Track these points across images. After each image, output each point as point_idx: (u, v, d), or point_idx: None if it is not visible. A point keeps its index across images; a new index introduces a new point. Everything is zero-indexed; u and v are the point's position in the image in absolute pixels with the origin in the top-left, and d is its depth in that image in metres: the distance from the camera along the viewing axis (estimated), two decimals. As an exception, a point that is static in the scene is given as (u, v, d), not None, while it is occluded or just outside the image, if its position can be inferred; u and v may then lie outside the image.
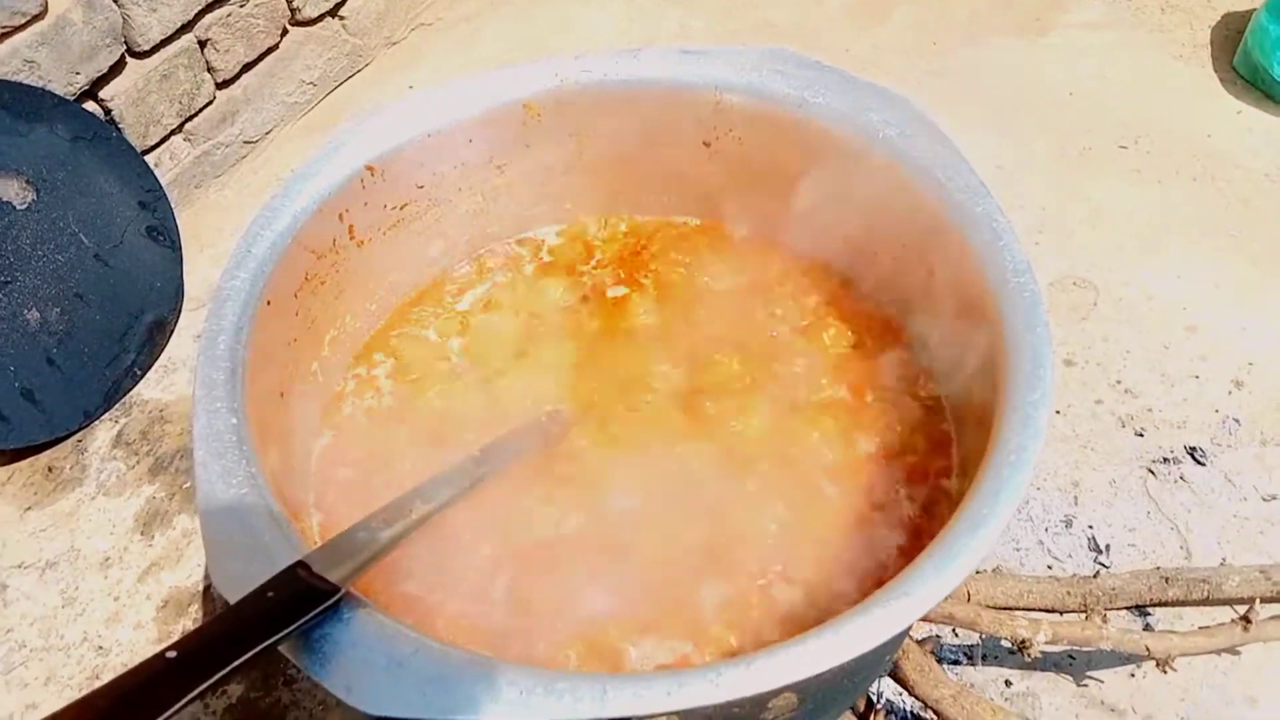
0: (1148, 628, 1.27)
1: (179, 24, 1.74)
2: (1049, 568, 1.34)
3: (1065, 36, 2.26)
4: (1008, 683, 1.24)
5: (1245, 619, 1.12)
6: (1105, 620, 1.10)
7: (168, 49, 1.75)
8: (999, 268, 0.83)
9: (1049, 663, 1.25)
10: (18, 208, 1.51)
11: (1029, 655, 1.07)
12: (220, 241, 1.86)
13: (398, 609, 0.81)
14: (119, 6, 1.64)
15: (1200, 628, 1.14)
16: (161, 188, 1.70)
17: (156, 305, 1.66)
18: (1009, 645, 1.10)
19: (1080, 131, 2.00)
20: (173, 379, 1.64)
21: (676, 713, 0.62)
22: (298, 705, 1.24)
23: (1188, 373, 1.57)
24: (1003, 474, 0.70)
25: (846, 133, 0.98)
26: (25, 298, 1.50)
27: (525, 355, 1.04)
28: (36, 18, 1.53)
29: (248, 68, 1.94)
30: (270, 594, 0.63)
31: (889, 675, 1.08)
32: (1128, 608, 1.15)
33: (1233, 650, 1.20)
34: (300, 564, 0.65)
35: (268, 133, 2.05)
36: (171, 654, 0.56)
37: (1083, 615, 1.11)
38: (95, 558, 1.42)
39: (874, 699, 1.17)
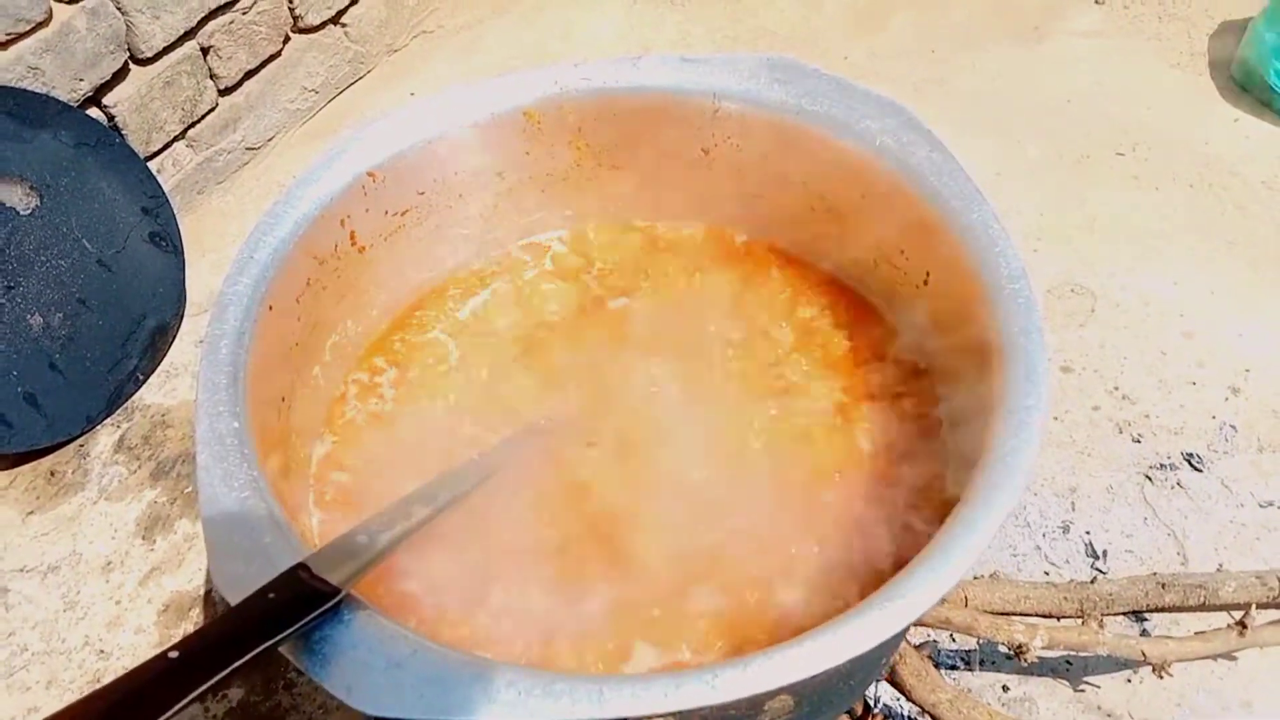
0: (1144, 633, 1.27)
1: (182, 31, 1.75)
2: (1046, 573, 1.35)
3: (1063, 44, 2.27)
4: (1005, 688, 1.24)
5: (1241, 624, 1.12)
6: (1102, 626, 1.11)
7: (170, 56, 1.76)
8: (994, 273, 0.84)
9: (1046, 668, 1.25)
10: (21, 213, 1.52)
11: (1025, 660, 1.08)
12: (222, 247, 1.86)
13: (398, 611, 0.82)
14: (122, 14, 1.65)
15: (1196, 633, 1.15)
16: (164, 194, 1.71)
17: (159, 310, 1.66)
18: (1006, 650, 1.10)
19: (1078, 138, 2.01)
20: (175, 384, 1.65)
21: (673, 714, 0.62)
22: (298, 709, 1.25)
23: (1185, 379, 1.57)
24: (996, 478, 0.71)
25: (843, 140, 0.98)
26: (28, 303, 1.51)
27: (525, 360, 1.05)
28: (40, 25, 1.54)
29: (250, 75, 1.95)
30: (271, 595, 0.63)
31: (887, 680, 1.09)
32: (1124, 613, 1.16)
33: (1229, 655, 1.21)
34: (301, 566, 0.66)
35: (270, 139, 2.06)
36: (173, 654, 0.56)
37: (1079, 621, 1.11)
38: (97, 562, 1.42)
39: (871, 703, 1.18)
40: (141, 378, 1.63)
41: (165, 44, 1.73)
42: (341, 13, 2.11)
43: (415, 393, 1.03)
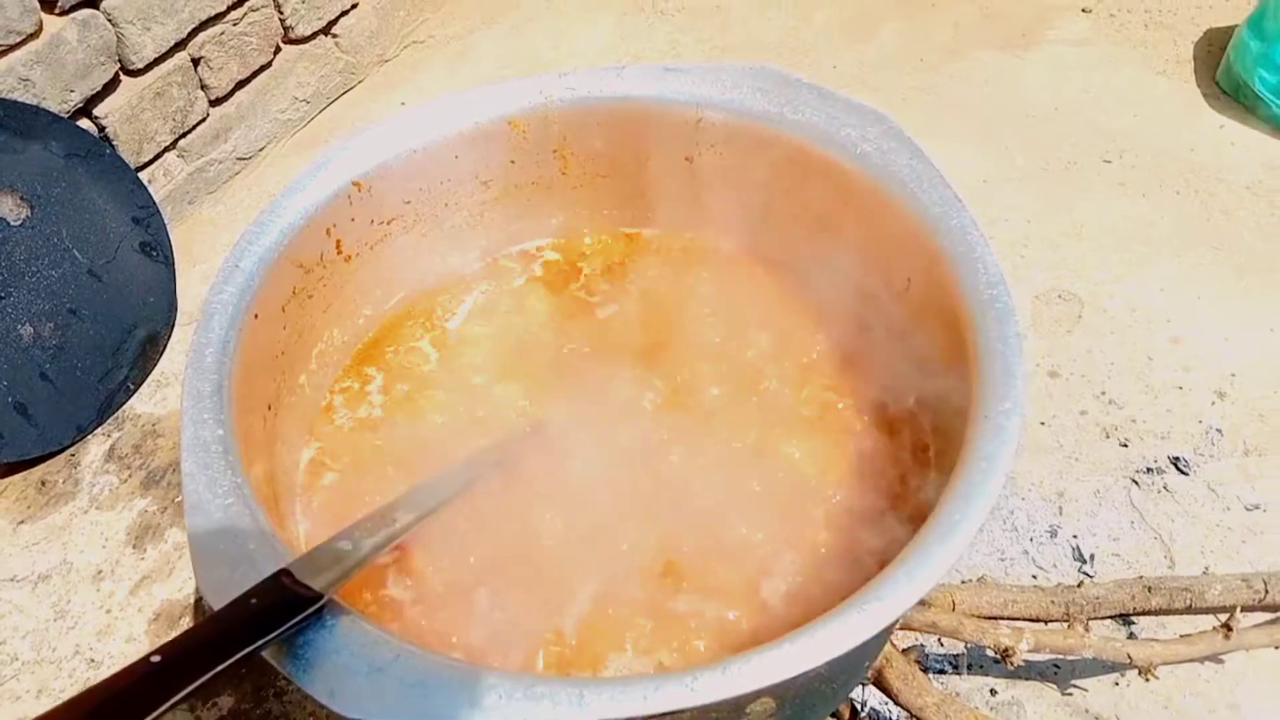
0: (1131, 636, 1.28)
1: (172, 42, 1.76)
2: (1034, 577, 1.35)
3: (1050, 52, 2.28)
4: (993, 691, 1.24)
5: (1227, 627, 1.13)
6: (1088, 629, 1.12)
7: (161, 67, 1.77)
8: (973, 279, 0.85)
9: (1034, 671, 1.26)
10: (12, 224, 1.52)
11: (1012, 663, 1.09)
12: (213, 257, 1.87)
13: (381, 616, 0.82)
14: (113, 25, 1.66)
15: (1183, 636, 1.15)
16: (155, 204, 1.71)
17: (149, 320, 1.67)
18: (993, 654, 1.11)
19: (1065, 146, 2.02)
20: (165, 394, 1.65)
21: (653, 717, 0.63)
22: (288, 717, 1.25)
23: (1171, 384, 1.58)
24: (974, 481, 0.71)
25: (824, 148, 0.99)
26: (19, 313, 1.51)
27: (511, 368, 1.06)
28: (31, 36, 1.55)
29: (241, 85, 1.96)
30: (254, 601, 0.64)
31: (874, 683, 1.09)
32: (1111, 616, 1.16)
33: (1215, 658, 1.21)
34: (284, 572, 0.67)
35: (261, 149, 2.07)
36: (156, 659, 0.57)
37: (1066, 624, 1.12)
38: (87, 571, 1.42)
39: (858, 707, 1.18)
40: (132, 387, 1.64)
41: (156, 55, 1.74)
42: (332, 23, 2.12)
43: (401, 400, 1.03)
